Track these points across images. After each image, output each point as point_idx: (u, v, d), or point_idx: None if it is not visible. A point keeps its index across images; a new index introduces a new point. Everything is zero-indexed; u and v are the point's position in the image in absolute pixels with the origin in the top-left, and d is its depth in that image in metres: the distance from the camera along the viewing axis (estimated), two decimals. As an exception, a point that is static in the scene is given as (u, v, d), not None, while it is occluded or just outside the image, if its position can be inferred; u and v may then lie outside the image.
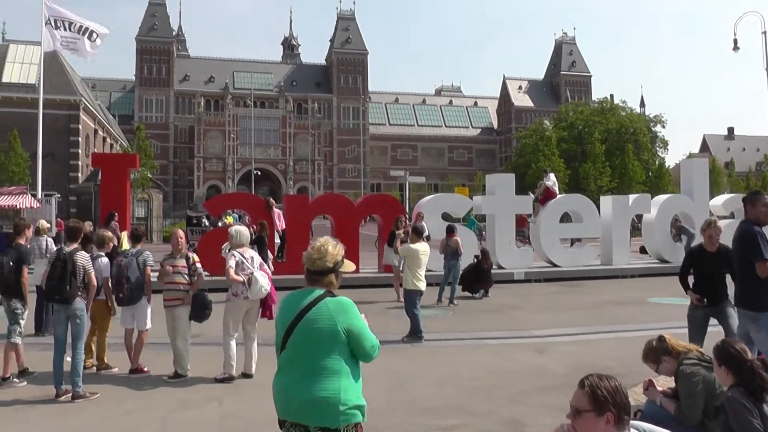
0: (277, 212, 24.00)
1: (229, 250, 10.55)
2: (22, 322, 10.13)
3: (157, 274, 10.52)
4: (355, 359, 4.33)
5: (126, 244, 21.43)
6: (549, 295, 20.35)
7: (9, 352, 9.93)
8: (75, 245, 9.62)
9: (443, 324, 15.26)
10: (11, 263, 10.08)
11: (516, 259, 24.77)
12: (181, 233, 10.66)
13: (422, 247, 13.68)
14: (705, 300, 8.99)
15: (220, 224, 34.22)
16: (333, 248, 4.46)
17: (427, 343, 12.73)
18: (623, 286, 22.34)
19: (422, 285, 13.42)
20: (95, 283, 9.59)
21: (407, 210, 30.65)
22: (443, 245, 18.94)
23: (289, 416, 4.21)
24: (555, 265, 24.96)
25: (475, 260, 20.39)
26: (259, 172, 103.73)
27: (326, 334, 4.19)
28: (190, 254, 10.56)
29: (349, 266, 4.58)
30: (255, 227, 20.54)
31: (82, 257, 9.49)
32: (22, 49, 71.03)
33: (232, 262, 10.02)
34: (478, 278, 19.72)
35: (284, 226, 23.78)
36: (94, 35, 32.53)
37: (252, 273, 10.03)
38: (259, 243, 18.97)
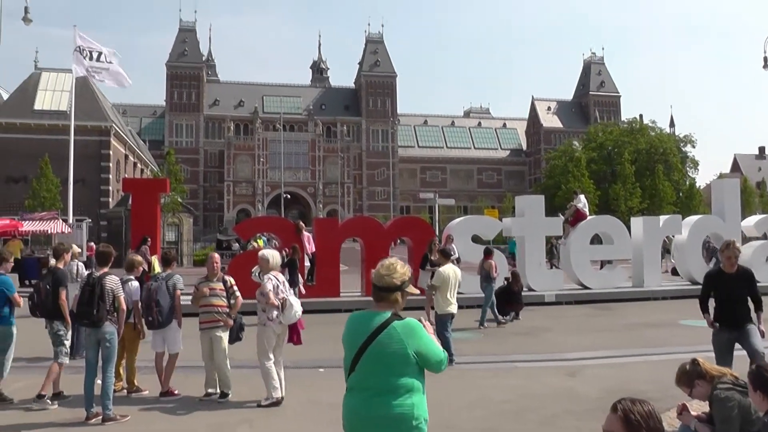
0: (306, 235, 23.97)
1: (260, 274, 10.56)
2: (66, 342, 10.39)
3: (190, 297, 10.58)
4: (422, 374, 4.50)
5: (157, 268, 21.59)
6: (580, 317, 20.23)
7: (54, 371, 10.10)
8: (105, 269, 9.74)
9: (474, 347, 15.20)
10: (48, 287, 10.31)
11: (547, 281, 24.63)
12: (216, 257, 10.75)
13: (451, 270, 13.50)
14: (717, 324, 8.90)
15: (249, 248, 34.37)
16: (401, 267, 4.59)
17: (458, 366, 12.66)
18: (655, 308, 22.14)
19: (453, 308, 13.28)
20: (125, 308, 9.65)
21: (437, 232, 30.56)
22: (480, 267, 18.98)
23: None
24: (586, 287, 24.75)
25: (506, 282, 20.31)
26: (289, 196, 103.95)
27: (398, 357, 4.33)
28: (227, 277, 10.63)
29: (413, 289, 4.69)
30: (287, 251, 20.61)
31: (111, 281, 9.57)
32: (54, 77, 71.82)
33: (270, 286, 9.99)
34: (509, 300, 19.57)
35: (314, 249, 23.78)
36: (110, 61, 33.19)
37: (286, 297, 10.04)
38: (291, 266, 19.10)
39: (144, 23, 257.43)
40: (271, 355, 10.01)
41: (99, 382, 9.39)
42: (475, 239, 24.87)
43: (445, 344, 12.91)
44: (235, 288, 10.55)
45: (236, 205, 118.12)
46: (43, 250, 37.67)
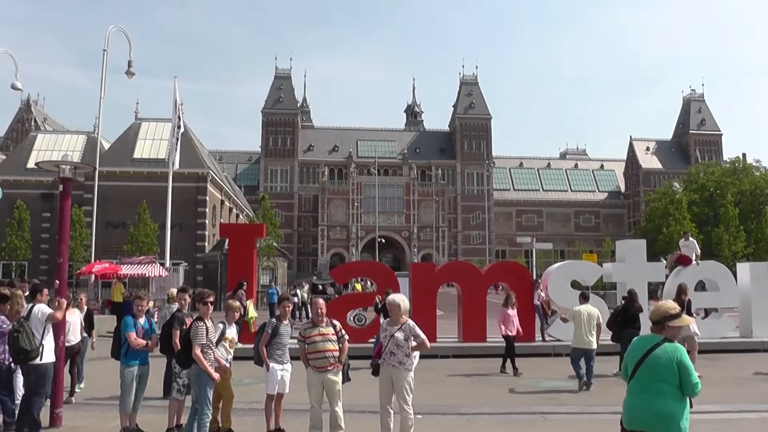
0: (512, 313, 19.86)
1: (387, 322, 10.52)
2: (179, 380, 10.68)
3: (294, 341, 10.74)
4: (682, 395, 5.90)
5: (252, 312, 21.81)
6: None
7: (173, 406, 10.76)
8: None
9: (576, 397, 14.85)
10: (166, 327, 11.17)
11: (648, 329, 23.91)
12: (321, 302, 10.73)
13: (585, 309, 16.22)
14: None
15: (344, 292, 34.52)
16: (661, 306, 6.27)
17: (558, 416, 12.43)
18: (766, 360, 21.22)
19: (583, 344, 15.79)
20: (197, 352, 9.77)
21: (534, 277, 30.14)
22: None
23: (639, 426, 5.91)
24: (689, 337, 23.93)
25: (623, 302, 18.98)
26: (383, 240, 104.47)
27: (666, 367, 5.83)
28: (335, 321, 10.72)
29: (685, 320, 6.27)
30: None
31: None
32: (153, 126, 74.34)
33: (419, 331, 10.22)
34: (627, 322, 17.54)
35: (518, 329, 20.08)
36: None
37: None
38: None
39: (241, 71, 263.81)
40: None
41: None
42: (574, 284, 24.36)
43: (578, 374, 15.71)
44: (344, 332, 10.65)
45: (330, 249, 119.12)
46: (145, 293, 38.52)
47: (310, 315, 33.91)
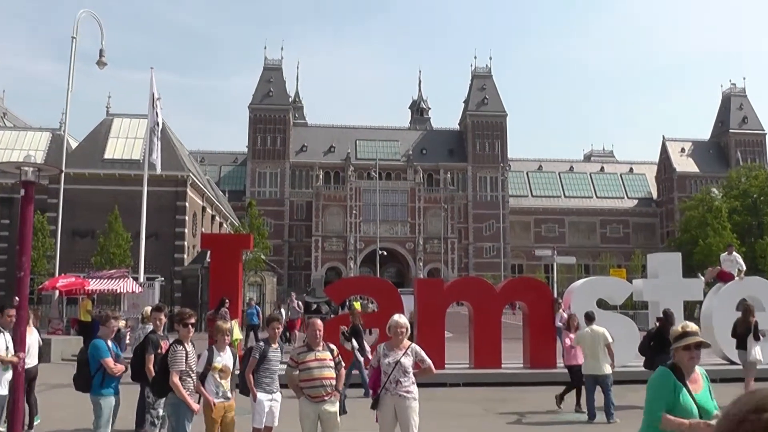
0: None
1: (383, 346, 10.44)
2: (153, 411, 10.81)
3: (284, 367, 10.65)
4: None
5: (237, 334, 21.72)
6: (728, 397, 19.34)
7: None
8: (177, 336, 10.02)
9: (601, 430, 14.74)
10: (139, 351, 11.32)
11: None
12: (319, 323, 10.61)
13: (587, 332, 16.63)
14: None
15: (341, 312, 34.43)
16: (676, 326, 6.53)
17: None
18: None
19: (591, 369, 16.11)
20: (173, 380, 9.69)
21: (555, 294, 29.97)
22: None
23: None
24: (732, 362, 23.72)
25: (657, 324, 18.69)
26: (385, 252, 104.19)
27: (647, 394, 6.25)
28: (332, 346, 10.58)
29: (683, 342, 6.23)
30: (346, 327, 20.64)
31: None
32: (126, 123, 74.01)
33: (424, 355, 10.30)
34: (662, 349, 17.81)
35: None
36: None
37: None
38: (356, 333, 19.26)
39: (225, 62, 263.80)
40: None
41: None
42: (601, 304, 24.11)
43: (588, 405, 15.95)
44: (340, 357, 10.52)
45: (325, 262, 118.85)
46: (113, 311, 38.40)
47: (290, 336, 33.76)
